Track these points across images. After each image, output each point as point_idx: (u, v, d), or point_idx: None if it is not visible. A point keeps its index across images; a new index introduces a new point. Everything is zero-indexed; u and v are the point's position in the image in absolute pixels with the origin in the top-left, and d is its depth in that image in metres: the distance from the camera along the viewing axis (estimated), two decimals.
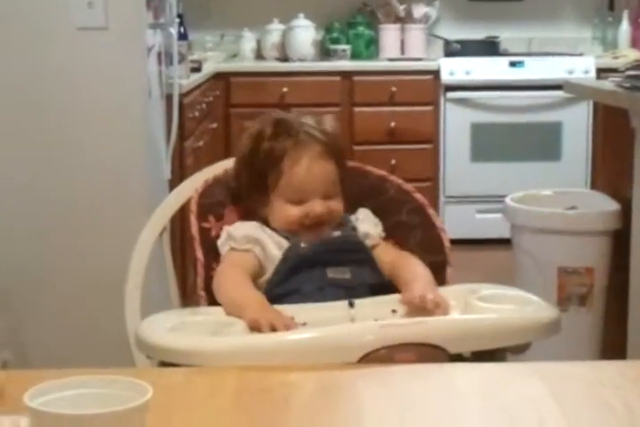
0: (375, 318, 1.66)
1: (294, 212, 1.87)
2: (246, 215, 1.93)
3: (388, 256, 1.90)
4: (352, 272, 1.83)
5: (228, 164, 2.02)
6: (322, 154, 1.88)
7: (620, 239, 3.07)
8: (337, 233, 1.88)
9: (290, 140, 1.88)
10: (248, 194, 1.92)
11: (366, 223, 1.93)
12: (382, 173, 2.03)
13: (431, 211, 1.98)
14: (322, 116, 1.97)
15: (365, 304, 1.75)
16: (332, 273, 1.82)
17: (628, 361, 2.47)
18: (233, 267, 1.81)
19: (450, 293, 1.79)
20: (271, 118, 1.95)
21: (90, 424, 1.05)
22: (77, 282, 3.13)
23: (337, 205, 1.89)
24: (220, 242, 1.86)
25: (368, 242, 1.91)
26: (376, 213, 1.97)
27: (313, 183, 1.87)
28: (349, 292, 1.79)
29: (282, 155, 1.87)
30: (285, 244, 1.85)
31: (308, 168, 1.87)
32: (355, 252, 1.87)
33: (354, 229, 1.91)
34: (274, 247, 1.84)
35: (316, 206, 1.86)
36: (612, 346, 3.09)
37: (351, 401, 1.33)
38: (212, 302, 1.79)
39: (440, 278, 1.91)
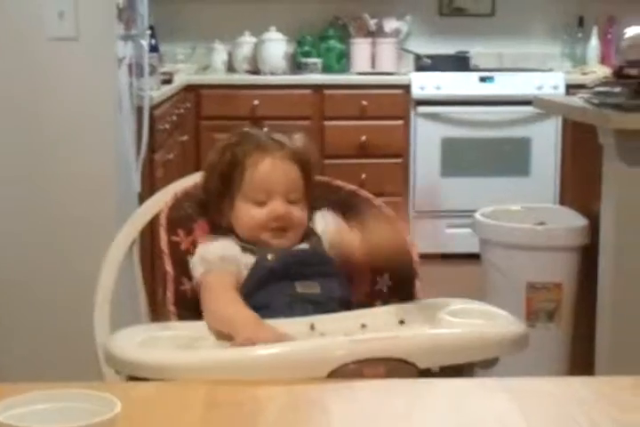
0: (344, 333, 1.66)
1: (257, 214, 1.87)
2: (215, 230, 1.93)
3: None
4: (321, 286, 1.83)
5: (198, 177, 2.02)
6: (285, 156, 1.90)
7: (588, 255, 3.09)
8: (304, 246, 1.89)
9: (254, 144, 1.91)
10: (214, 202, 1.92)
11: (320, 223, 1.94)
12: (352, 187, 2.04)
13: (401, 225, 1.99)
14: (291, 133, 1.98)
15: (335, 319, 1.75)
16: (301, 288, 1.82)
17: (595, 377, 2.48)
18: (220, 283, 1.79)
19: (420, 307, 1.80)
20: (239, 130, 1.97)
21: None
22: (46, 295, 3.11)
23: (300, 211, 1.90)
24: (192, 263, 1.85)
25: (327, 237, 1.91)
26: None
27: (275, 180, 1.88)
28: (318, 307, 1.79)
29: (245, 155, 1.89)
30: (252, 258, 1.85)
31: (270, 166, 1.88)
32: (322, 265, 1.87)
33: (319, 240, 1.92)
34: (243, 263, 1.84)
35: (279, 207, 1.87)
36: (580, 362, 3.10)
37: (320, 416, 1.33)
38: (181, 316, 1.79)
39: (409, 292, 1.91)
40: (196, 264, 1.84)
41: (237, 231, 1.89)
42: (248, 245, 1.87)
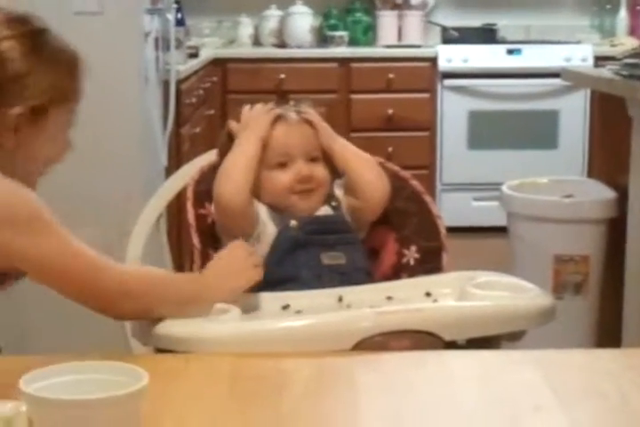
0: (370, 305, 1.66)
1: (282, 177, 1.88)
2: None
3: None
4: (346, 257, 1.84)
5: None
6: (298, 121, 1.93)
7: (616, 227, 3.08)
8: (326, 209, 1.89)
9: None
10: None
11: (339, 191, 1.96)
12: (379, 160, 2.03)
13: (427, 198, 1.98)
14: (300, 101, 2.02)
15: (361, 291, 1.75)
16: (327, 259, 1.83)
17: (622, 349, 2.47)
18: None
19: (446, 280, 1.80)
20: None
21: (85, 409, 1.05)
22: None
23: (323, 171, 1.91)
24: None
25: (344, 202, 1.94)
26: None
27: (292, 142, 1.90)
28: (344, 277, 1.80)
29: None
30: (274, 228, 1.85)
31: (285, 129, 1.91)
32: (345, 232, 1.88)
33: (339, 205, 1.92)
34: (268, 224, 1.85)
35: (302, 168, 1.88)
36: (608, 334, 3.09)
37: (346, 388, 1.33)
38: None
39: (436, 265, 1.91)
40: None
41: (264, 199, 1.89)
42: (273, 212, 1.87)
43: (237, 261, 1.66)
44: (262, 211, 1.87)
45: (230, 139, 1.92)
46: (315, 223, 1.86)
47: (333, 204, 1.91)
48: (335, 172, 1.94)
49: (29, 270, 1.47)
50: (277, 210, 1.88)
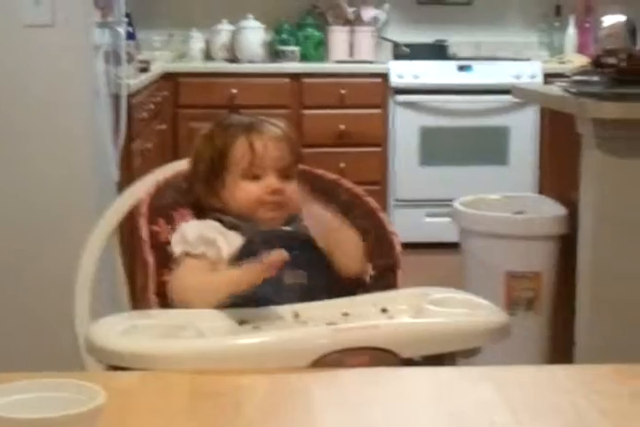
0: (327, 322, 1.66)
1: (253, 188, 1.86)
2: (197, 217, 1.91)
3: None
4: (308, 275, 1.82)
5: (178, 165, 2.01)
6: (277, 136, 1.90)
7: (567, 244, 3.10)
8: (288, 228, 1.88)
9: (243, 126, 1.91)
10: (204, 182, 1.90)
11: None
12: (334, 176, 2.03)
13: (382, 215, 1.99)
14: (273, 118, 1.99)
15: (317, 307, 1.74)
16: (290, 278, 1.81)
17: (576, 365, 2.49)
18: (192, 270, 1.79)
19: (402, 296, 1.80)
20: (221, 118, 1.98)
21: None
22: (25, 285, 3.09)
23: (294, 188, 1.89)
24: (173, 241, 1.84)
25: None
26: None
27: (269, 156, 1.87)
28: (304, 296, 1.78)
29: (236, 135, 1.89)
30: (239, 238, 1.83)
31: (263, 143, 1.88)
32: (308, 250, 1.86)
33: (305, 225, 1.91)
34: (227, 247, 1.83)
35: (274, 181, 1.86)
36: (560, 350, 3.11)
37: (303, 405, 1.32)
38: (164, 305, 1.78)
39: (390, 282, 1.91)
40: (177, 240, 1.83)
41: (232, 207, 1.87)
42: (238, 221, 1.86)
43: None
44: (217, 231, 1.85)
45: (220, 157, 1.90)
46: (277, 239, 1.84)
47: (297, 224, 1.90)
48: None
49: None
50: (243, 219, 1.86)
